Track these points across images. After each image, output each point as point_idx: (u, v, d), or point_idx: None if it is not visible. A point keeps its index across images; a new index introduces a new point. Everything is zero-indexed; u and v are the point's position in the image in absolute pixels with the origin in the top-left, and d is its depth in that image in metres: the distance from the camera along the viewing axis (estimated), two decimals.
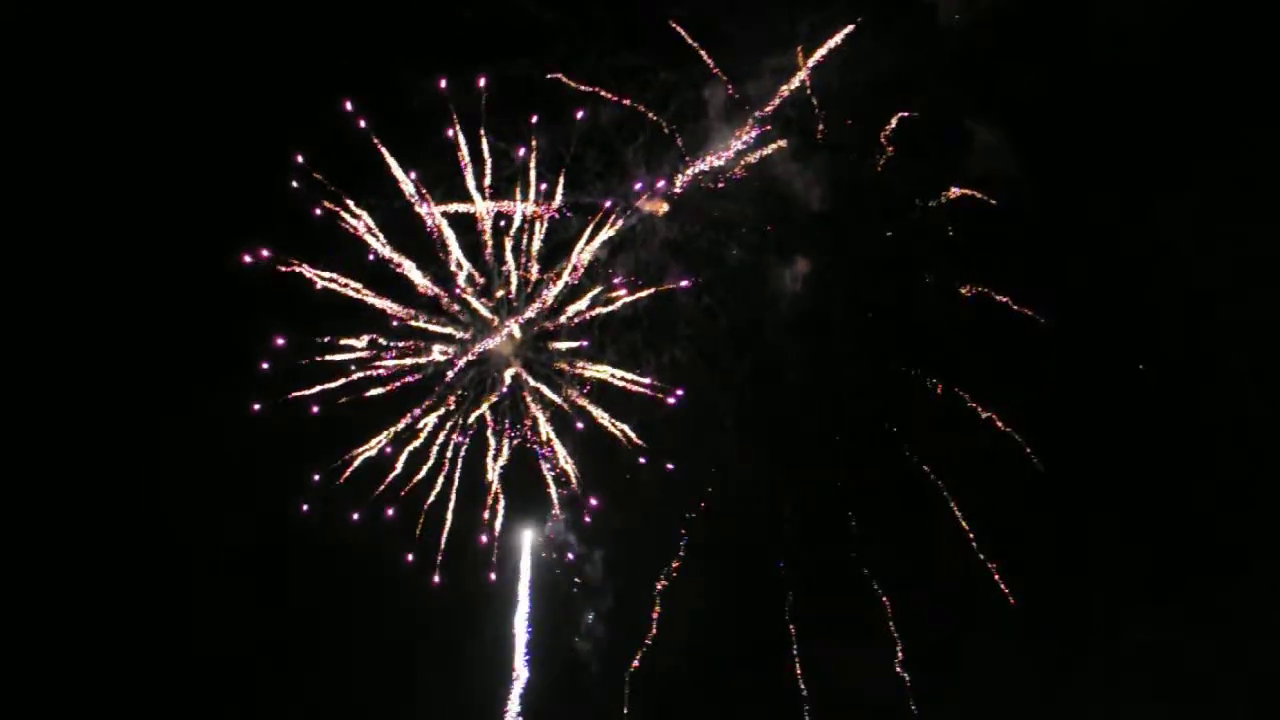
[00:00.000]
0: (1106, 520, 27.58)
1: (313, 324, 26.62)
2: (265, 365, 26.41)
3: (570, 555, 28.53)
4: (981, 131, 26.66)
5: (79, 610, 27.67)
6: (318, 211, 26.14)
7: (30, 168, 26.51)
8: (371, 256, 26.66)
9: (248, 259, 25.70)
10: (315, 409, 26.69)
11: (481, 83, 25.51)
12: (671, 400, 27.06)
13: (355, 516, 27.19)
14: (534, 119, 26.04)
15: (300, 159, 25.87)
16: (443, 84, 25.49)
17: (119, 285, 27.31)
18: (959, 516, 26.97)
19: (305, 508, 26.99)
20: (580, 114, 26.04)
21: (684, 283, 27.03)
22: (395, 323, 27.09)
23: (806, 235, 27.63)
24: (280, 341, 26.39)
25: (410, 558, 27.20)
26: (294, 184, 25.86)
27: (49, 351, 27.18)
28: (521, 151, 26.25)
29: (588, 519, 28.02)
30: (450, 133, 25.99)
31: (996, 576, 26.75)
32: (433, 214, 26.39)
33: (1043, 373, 27.26)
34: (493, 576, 27.96)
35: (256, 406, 26.57)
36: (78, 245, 27.05)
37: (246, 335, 26.52)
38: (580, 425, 27.68)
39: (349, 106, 25.60)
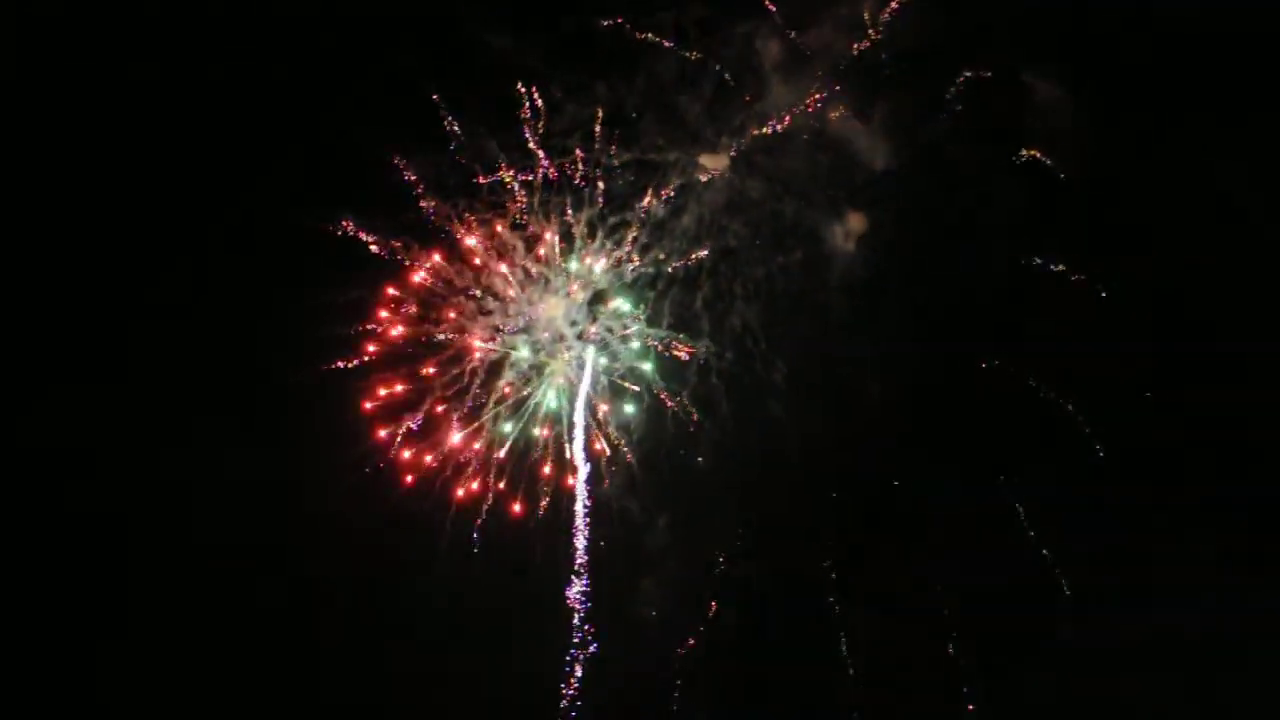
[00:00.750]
0: (1168, 507, 26.41)
1: (354, 284, 25.79)
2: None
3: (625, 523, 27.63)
4: (1049, 90, 25.89)
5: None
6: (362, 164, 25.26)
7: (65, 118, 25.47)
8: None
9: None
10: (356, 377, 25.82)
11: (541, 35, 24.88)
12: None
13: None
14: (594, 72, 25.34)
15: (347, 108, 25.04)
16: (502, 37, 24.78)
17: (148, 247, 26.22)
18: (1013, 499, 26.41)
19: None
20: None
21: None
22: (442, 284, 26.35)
23: (868, 195, 26.89)
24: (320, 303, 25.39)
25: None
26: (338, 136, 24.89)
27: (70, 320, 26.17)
28: (580, 107, 25.55)
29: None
30: (508, 87, 25.31)
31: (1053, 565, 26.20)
32: (499, 168, 25.59)
33: (1101, 348, 26.36)
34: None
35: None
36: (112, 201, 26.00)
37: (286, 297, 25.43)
38: (637, 390, 27.13)
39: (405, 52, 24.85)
